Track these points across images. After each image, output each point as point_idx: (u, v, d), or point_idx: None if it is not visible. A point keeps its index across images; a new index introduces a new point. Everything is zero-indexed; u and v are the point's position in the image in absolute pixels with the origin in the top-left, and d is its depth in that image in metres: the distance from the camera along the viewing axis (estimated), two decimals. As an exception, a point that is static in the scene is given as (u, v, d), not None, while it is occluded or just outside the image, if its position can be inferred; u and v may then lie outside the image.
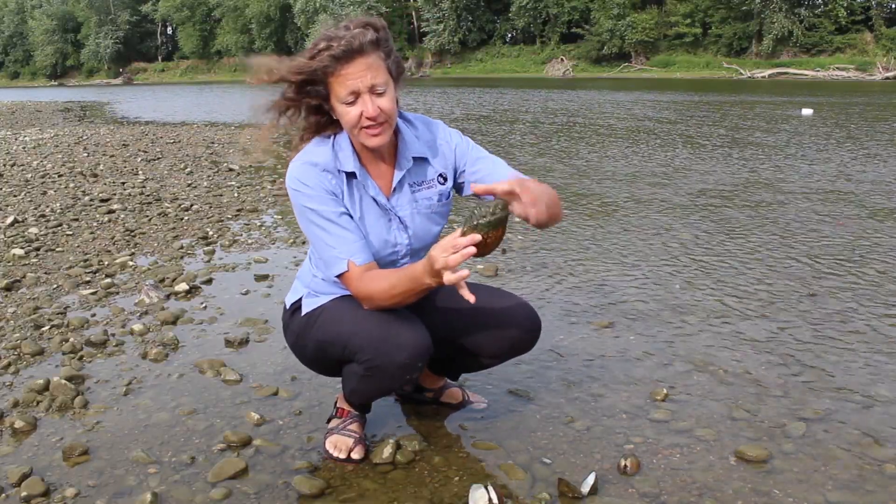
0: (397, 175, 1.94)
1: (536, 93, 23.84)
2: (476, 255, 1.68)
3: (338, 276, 1.88)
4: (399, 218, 1.95)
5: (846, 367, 2.61)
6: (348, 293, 2.02)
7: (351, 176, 1.91)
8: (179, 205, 5.79)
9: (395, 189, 1.95)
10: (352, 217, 1.90)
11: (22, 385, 2.53)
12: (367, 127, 1.81)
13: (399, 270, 1.85)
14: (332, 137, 1.93)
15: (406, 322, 1.87)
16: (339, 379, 2.08)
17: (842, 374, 2.55)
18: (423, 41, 53.76)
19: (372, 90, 1.78)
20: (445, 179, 2.00)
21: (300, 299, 2.07)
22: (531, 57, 49.94)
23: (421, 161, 1.97)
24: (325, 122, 1.92)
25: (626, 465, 1.96)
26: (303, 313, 2.03)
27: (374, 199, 1.94)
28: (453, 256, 1.62)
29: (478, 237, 1.61)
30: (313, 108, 1.90)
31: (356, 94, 1.79)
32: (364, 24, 1.81)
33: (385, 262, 1.96)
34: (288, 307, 2.11)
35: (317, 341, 1.97)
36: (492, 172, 1.97)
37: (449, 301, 2.10)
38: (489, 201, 1.65)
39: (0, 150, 9.90)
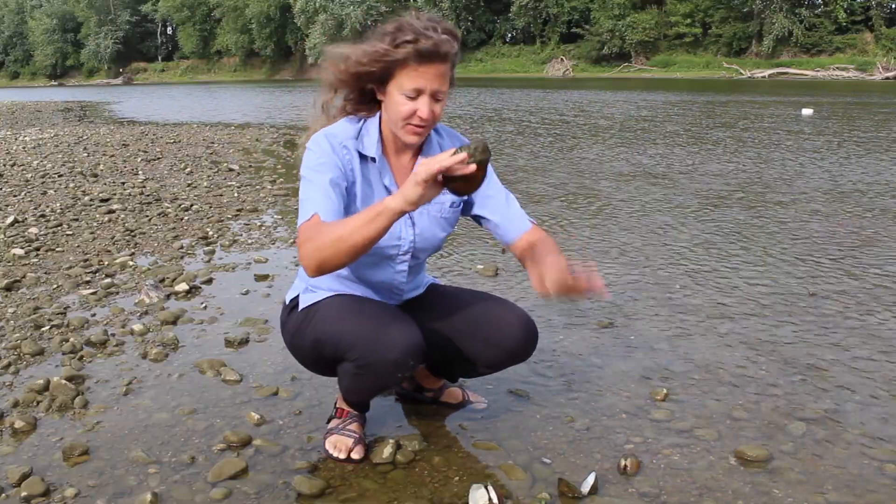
0: None
1: (535, 93, 23.84)
2: (453, 192, 1.68)
3: (300, 227, 1.80)
4: (409, 213, 1.95)
5: (846, 367, 2.61)
6: (346, 289, 2.02)
7: (368, 160, 1.93)
8: (179, 205, 5.79)
9: None
10: (346, 192, 1.88)
11: (22, 385, 2.53)
12: (414, 125, 1.84)
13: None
14: (361, 121, 1.95)
15: (398, 320, 1.87)
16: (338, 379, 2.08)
17: (842, 374, 2.55)
18: (422, 41, 53.63)
19: (434, 95, 1.83)
20: None
21: (298, 296, 2.07)
22: (531, 57, 49.97)
23: None
24: (364, 102, 1.95)
25: (625, 466, 1.96)
26: (300, 308, 2.03)
27: (387, 188, 1.94)
28: (430, 169, 1.60)
29: (460, 156, 1.59)
30: (362, 90, 1.92)
31: (419, 93, 1.81)
32: (451, 33, 1.82)
33: (385, 254, 1.97)
34: (287, 303, 2.11)
35: (312, 340, 1.97)
36: (504, 212, 2.01)
37: (444, 308, 2.11)
38: (469, 143, 1.64)
39: (0, 150, 9.90)
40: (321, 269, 1.73)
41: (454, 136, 2.06)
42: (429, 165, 1.60)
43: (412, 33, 1.77)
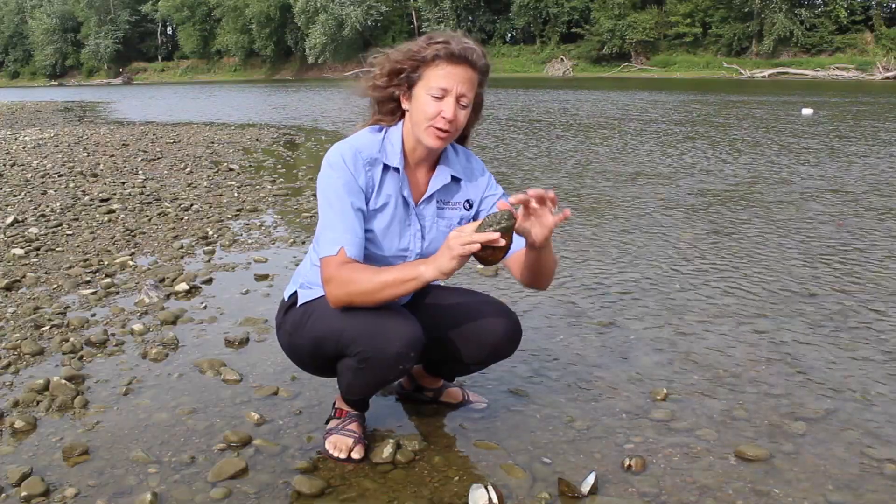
0: (433, 185, 2.00)
1: (535, 93, 23.84)
2: (481, 261, 1.75)
3: (322, 257, 1.87)
4: (421, 224, 2.01)
5: (846, 367, 2.61)
6: None
7: (390, 170, 1.96)
8: (179, 205, 5.79)
9: (425, 199, 2.01)
10: (365, 215, 1.92)
11: (22, 385, 2.53)
12: (438, 127, 1.87)
13: (391, 267, 1.87)
14: (383, 130, 1.99)
15: (397, 314, 1.89)
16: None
17: (842, 374, 2.55)
18: (423, 41, 53.66)
19: (459, 99, 1.87)
20: (470, 206, 2.08)
21: (295, 296, 2.07)
22: (531, 57, 49.96)
23: (454, 183, 2.05)
24: (391, 111, 1.98)
25: (630, 465, 1.96)
26: (298, 304, 2.04)
27: (405, 199, 1.98)
28: (468, 247, 1.69)
29: (493, 235, 1.68)
30: (391, 96, 1.96)
31: (445, 92, 1.86)
32: (482, 50, 1.92)
33: (389, 263, 1.97)
34: (286, 299, 2.11)
35: (312, 337, 1.97)
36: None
37: (433, 305, 2.13)
38: (496, 212, 1.71)
39: (0, 150, 9.90)
40: (345, 308, 1.86)
41: (469, 155, 2.10)
42: (465, 242, 1.68)
43: (445, 37, 1.88)
